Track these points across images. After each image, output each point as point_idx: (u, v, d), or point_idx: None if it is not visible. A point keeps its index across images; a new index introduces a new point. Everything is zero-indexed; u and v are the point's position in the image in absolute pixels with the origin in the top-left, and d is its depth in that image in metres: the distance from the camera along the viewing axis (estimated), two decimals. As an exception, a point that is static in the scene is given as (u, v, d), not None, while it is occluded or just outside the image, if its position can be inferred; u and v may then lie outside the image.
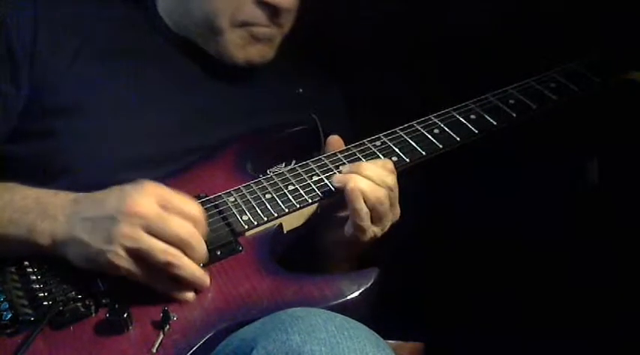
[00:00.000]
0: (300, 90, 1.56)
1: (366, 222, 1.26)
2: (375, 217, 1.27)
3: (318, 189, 1.31)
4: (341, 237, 1.30)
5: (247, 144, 1.45)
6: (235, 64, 1.46)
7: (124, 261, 1.13)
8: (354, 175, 1.26)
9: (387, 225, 1.29)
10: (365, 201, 1.24)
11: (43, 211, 1.19)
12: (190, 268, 1.15)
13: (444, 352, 1.70)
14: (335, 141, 1.39)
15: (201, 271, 1.17)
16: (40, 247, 1.18)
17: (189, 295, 1.17)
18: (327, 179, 1.32)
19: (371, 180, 1.25)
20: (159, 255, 1.13)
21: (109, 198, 1.17)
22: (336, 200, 1.30)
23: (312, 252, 1.39)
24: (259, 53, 1.46)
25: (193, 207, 1.18)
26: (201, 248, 1.17)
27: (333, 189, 1.30)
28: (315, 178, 1.32)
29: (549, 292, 1.77)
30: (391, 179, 1.27)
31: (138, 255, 1.13)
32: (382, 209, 1.26)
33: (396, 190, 1.28)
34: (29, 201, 1.22)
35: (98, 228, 1.14)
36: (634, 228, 1.68)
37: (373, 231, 1.28)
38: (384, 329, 1.14)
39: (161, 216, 1.14)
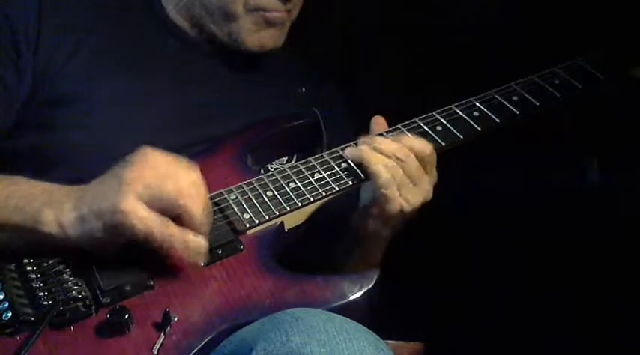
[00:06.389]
0: (303, 89, 1.57)
1: (392, 189, 1.28)
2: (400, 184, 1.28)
3: (320, 187, 1.31)
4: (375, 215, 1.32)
5: (248, 137, 1.44)
6: (248, 50, 1.48)
7: (139, 209, 1.12)
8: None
9: (415, 199, 1.30)
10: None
11: (49, 199, 1.19)
12: (199, 209, 1.16)
13: (444, 352, 1.71)
14: (380, 121, 1.39)
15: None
16: (47, 236, 1.17)
17: (199, 244, 1.16)
18: (329, 177, 1.32)
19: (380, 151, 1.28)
20: (172, 193, 1.14)
21: (114, 169, 1.18)
22: (340, 196, 1.31)
23: (331, 253, 1.41)
24: (272, 38, 1.48)
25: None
26: (205, 197, 1.19)
27: (336, 188, 1.30)
28: (317, 176, 1.32)
29: (549, 292, 1.77)
30: (402, 151, 1.28)
31: (151, 201, 1.13)
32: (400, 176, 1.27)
33: (412, 163, 1.29)
34: (36, 190, 1.21)
35: (107, 191, 1.14)
36: (634, 228, 1.68)
37: (400, 202, 1.28)
38: (384, 329, 1.14)
39: (168, 165, 1.16)
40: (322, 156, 1.35)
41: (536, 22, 1.73)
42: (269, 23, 1.46)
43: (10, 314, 1.12)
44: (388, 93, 1.86)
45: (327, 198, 1.31)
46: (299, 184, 1.31)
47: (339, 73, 1.73)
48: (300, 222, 1.31)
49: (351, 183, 1.32)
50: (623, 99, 1.53)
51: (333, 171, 1.33)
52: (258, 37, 1.47)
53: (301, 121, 1.48)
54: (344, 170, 1.33)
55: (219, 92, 1.49)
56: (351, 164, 1.33)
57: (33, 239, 1.19)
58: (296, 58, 1.61)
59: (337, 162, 1.34)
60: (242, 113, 1.48)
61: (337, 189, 1.31)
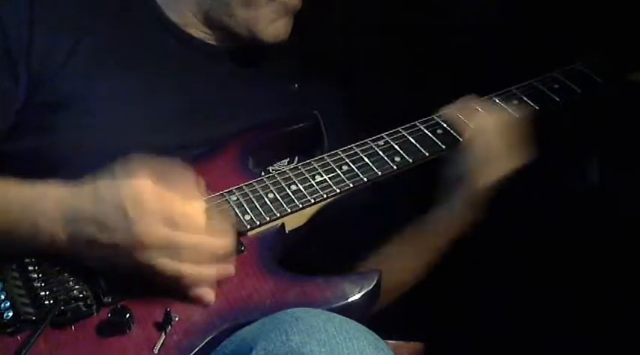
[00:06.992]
0: (296, 85, 1.57)
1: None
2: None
3: (321, 189, 1.31)
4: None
5: (249, 139, 1.45)
6: (262, 41, 1.49)
7: (168, 264, 1.14)
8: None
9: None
10: None
11: (37, 211, 1.19)
12: (216, 243, 1.17)
13: (444, 352, 1.71)
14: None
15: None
16: (43, 247, 1.18)
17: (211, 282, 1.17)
18: (330, 179, 1.32)
19: None
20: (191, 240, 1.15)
21: (104, 195, 1.17)
22: (341, 197, 1.31)
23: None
24: (285, 28, 1.50)
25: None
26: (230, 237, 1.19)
27: (337, 190, 1.31)
28: (318, 178, 1.33)
29: (549, 292, 1.77)
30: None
31: (170, 249, 1.14)
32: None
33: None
34: (25, 193, 1.22)
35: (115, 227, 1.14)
36: (634, 228, 1.68)
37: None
38: (384, 329, 1.14)
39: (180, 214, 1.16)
40: (323, 158, 1.36)
41: (536, 22, 1.73)
42: (287, 11, 1.48)
43: (11, 314, 1.13)
44: (388, 93, 1.86)
45: (327, 200, 1.31)
46: (300, 186, 1.31)
47: (339, 72, 1.73)
48: (301, 223, 1.32)
49: (351, 185, 1.32)
50: (623, 100, 1.53)
51: (334, 174, 1.33)
52: (274, 27, 1.48)
53: (302, 125, 1.49)
54: (345, 172, 1.33)
55: (219, 91, 1.50)
56: (352, 166, 1.34)
57: (30, 250, 1.20)
58: (291, 56, 1.61)
59: (338, 164, 1.34)
60: (241, 112, 1.48)
61: (338, 190, 1.31)
